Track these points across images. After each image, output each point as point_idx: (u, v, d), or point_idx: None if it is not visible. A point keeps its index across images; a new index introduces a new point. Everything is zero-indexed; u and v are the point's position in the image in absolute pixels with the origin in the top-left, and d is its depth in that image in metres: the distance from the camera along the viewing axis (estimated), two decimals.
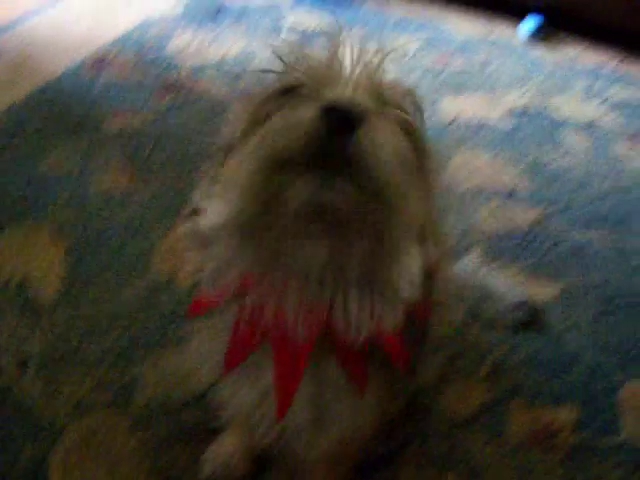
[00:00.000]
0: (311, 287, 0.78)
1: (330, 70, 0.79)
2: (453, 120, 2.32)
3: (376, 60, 0.82)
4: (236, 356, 0.92)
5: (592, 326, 1.69)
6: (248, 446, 1.31)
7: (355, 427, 1.00)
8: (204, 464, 1.32)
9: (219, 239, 0.81)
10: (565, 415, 1.50)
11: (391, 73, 0.84)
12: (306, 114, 0.70)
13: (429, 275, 0.95)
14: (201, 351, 1.01)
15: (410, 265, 0.81)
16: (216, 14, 2.77)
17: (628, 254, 1.89)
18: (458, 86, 2.51)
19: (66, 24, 2.63)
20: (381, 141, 0.71)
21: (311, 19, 2.82)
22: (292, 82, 0.81)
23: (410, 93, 0.86)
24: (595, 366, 1.60)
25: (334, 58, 0.80)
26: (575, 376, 1.57)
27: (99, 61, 2.43)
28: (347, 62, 0.80)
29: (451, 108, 2.38)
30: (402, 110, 0.82)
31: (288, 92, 0.80)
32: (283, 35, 2.68)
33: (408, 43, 2.73)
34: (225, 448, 1.32)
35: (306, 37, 2.68)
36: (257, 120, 0.80)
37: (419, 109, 0.87)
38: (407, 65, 2.59)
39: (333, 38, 0.82)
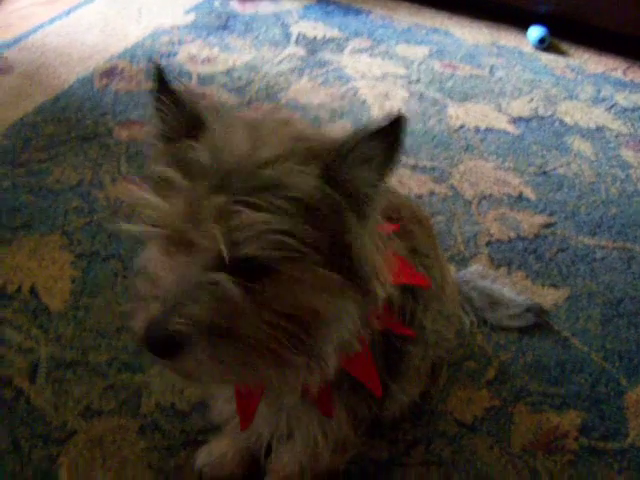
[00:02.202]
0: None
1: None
2: (460, 127, 2.33)
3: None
4: None
5: (598, 331, 1.69)
6: (239, 449, 1.35)
7: (325, 443, 1.08)
8: (198, 458, 1.37)
9: None
10: (570, 420, 1.50)
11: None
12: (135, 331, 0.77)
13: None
14: None
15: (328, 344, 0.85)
16: (226, 23, 2.79)
17: (634, 260, 1.89)
18: (466, 93, 2.52)
19: (77, 35, 2.66)
20: (202, 361, 0.76)
21: (318, 29, 2.84)
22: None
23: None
24: (600, 371, 1.60)
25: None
26: (581, 381, 1.58)
27: (110, 71, 2.46)
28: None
29: (458, 114, 2.40)
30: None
31: None
32: (290, 44, 2.70)
33: (415, 51, 2.74)
34: (219, 447, 1.37)
35: (312, 46, 2.70)
36: None
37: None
38: (415, 73, 2.60)
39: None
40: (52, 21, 2.74)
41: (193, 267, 0.75)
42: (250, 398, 1.01)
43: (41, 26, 2.71)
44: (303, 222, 0.74)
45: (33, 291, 1.68)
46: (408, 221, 1.17)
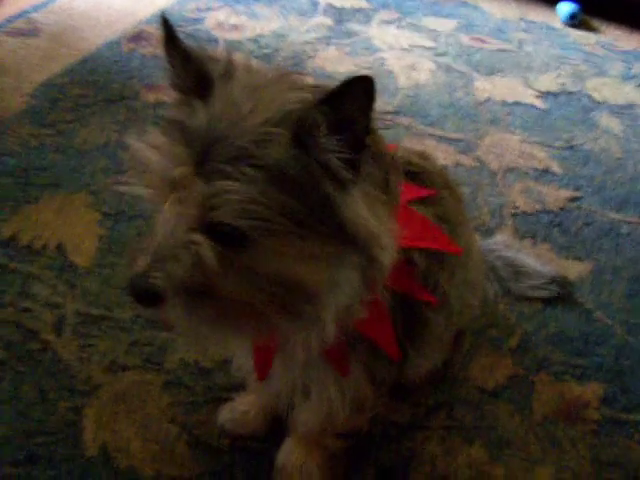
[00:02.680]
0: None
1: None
2: (487, 99, 2.32)
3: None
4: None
5: (622, 305, 1.69)
6: (262, 406, 1.36)
7: (341, 402, 1.09)
8: (220, 414, 1.38)
9: None
10: (593, 391, 1.50)
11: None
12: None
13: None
14: None
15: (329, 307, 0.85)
16: None
17: None
18: (493, 66, 2.50)
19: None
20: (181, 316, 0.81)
21: None
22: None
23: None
24: (624, 344, 1.60)
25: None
26: (603, 353, 1.58)
27: (137, 35, 2.46)
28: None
29: (485, 87, 2.38)
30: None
31: None
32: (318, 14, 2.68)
33: (443, 24, 2.72)
34: (242, 405, 1.38)
35: (339, 15, 2.69)
36: None
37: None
38: (442, 45, 2.58)
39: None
40: None
41: (179, 226, 0.78)
42: (266, 352, 1.02)
43: None
44: (277, 191, 0.74)
45: (60, 248, 1.69)
46: (440, 187, 1.16)
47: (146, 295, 0.79)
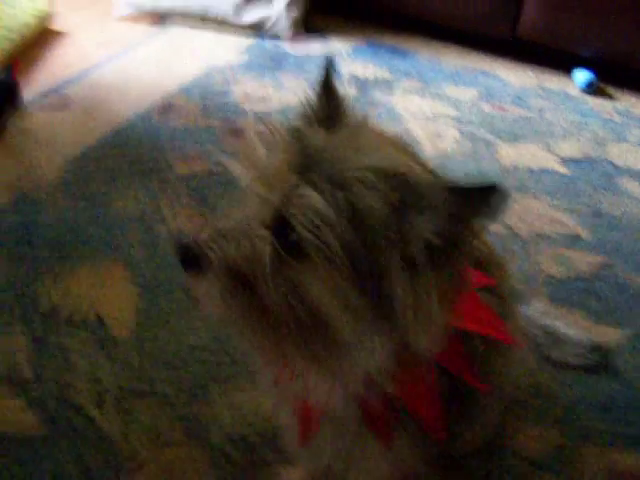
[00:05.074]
0: None
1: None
2: (512, 166, 2.36)
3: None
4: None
5: None
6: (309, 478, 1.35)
7: (390, 471, 1.08)
8: None
9: None
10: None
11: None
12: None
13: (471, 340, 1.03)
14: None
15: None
16: (278, 64, 2.86)
17: None
18: (515, 133, 2.55)
19: (134, 72, 2.74)
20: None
21: (368, 69, 2.90)
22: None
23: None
24: None
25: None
26: None
27: (166, 107, 2.52)
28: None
29: (509, 154, 2.42)
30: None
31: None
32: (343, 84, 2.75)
33: (464, 93, 2.79)
34: (289, 476, 1.37)
35: (363, 86, 2.76)
36: None
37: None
38: (465, 114, 2.64)
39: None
40: (110, 60, 2.82)
41: (254, 218, 0.82)
42: (310, 413, 1.02)
43: (99, 65, 2.78)
44: (352, 230, 0.76)
45: (100, 321, 1.70)
46: (495, 269, 1.18)
47: (193, 259, 0.82)
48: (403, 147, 0.90)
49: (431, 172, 0.86)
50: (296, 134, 0.84)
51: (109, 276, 1.82)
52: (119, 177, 2.17)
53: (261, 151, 0.85)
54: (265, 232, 0.80)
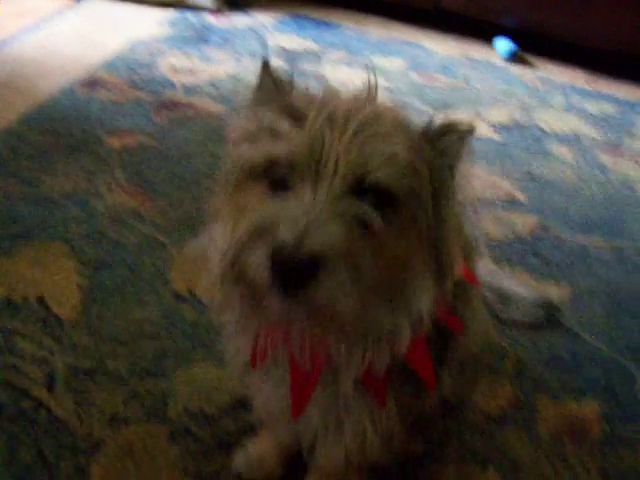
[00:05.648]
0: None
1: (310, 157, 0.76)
2: None
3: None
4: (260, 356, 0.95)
5: (603, 325, 1.75)
6: (278, 447, 1.33)
7: (374, 435, 1.06)
8: (236, 459, 1.33)
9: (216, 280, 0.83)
10: (590, 408, 1.54)
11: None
12: (256, 259, 0.70)
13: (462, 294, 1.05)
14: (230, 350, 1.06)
15: (402, 321, 0.85)
16: (203, 36, 2.79)
17: (626, 255, 1.96)
18: (446, 102, 2.58)
19: (53, 46, 2.61)
20: (336, 290, 0.69)
21: (293, 41, 2.87)
22: (277, 156, 0.79)
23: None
24: (611, 362, 1.65)
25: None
26: (594, 372, 1.62)
27: (92, 81, 2.42)
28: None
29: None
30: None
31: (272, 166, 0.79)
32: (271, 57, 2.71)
33: (392, 63, 2.80)
34: (257, 447, 1.34)
35: (291, 58, 2.73)
36: (244, 172, 0.83)
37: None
38: (395, 83, 2.65)
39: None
40: (26, 33, 2.68)
41: (319, 197, 0.73)
42: (306, 384, 0.98)
43: (15, 37, 2.64)
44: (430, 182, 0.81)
45: (41, 300, 1.62)
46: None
47: (299, 268, 0.67)
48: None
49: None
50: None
51: (47, 255, 1.74)
52: (47, 153, 2.07)
53: (290, 129, 0.78)
54: (353, 200, 0.74)
